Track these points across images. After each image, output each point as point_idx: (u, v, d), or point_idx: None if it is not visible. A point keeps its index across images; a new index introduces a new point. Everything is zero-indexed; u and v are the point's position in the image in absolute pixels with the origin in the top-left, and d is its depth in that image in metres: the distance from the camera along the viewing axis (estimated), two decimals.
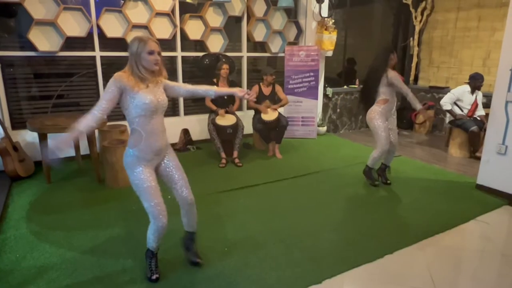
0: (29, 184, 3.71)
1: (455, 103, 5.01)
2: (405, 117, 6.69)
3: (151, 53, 1.94)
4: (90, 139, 3.71)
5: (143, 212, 3.03)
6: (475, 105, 4.92)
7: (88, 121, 1.87)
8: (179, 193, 2.21)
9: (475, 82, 4.86)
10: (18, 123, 4.22)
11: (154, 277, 2.21)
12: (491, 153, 3.56)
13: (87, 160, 4.22)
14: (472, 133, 4.74)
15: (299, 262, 2.41)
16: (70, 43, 4.29)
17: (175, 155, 2.26)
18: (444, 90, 6.26)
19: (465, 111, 4.95)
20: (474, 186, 3.75)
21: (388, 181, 3.79)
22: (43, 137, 3.60)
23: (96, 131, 3.85)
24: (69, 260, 2.41)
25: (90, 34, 4.34)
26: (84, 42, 4.39)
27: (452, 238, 2.80)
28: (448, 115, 5.16)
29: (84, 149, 4.13)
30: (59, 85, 4.40)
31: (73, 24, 4.21)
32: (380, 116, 3.52)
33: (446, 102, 5.00)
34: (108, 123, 4.20)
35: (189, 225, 2.34)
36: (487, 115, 4.34)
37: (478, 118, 4.89)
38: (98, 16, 4.34)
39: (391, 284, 2.23)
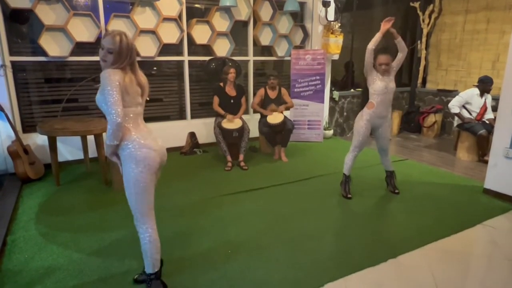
0: (39, 186, 3.78)
1: (464, 107, 4.97)
2: (413, 121, 6.64)
3: (101, 48, 1.90)
4: (98, 142, 3.78)
5: None
6: (484, 109, 4.87)
7: (117, 132, 1.83)
8: None
9: (484, 85, 4.81)
10: (28, 127, 4.31)
11: None
12: (498, 157, 3.52)
13: (95, 163, 4.28)
14: (481, 136, 4.68)
15: (302, 265, 2.42)
16: (80, 48, 4.38)
17: None
18: (452, 93, 6.21)
19: (474, 114, 4.90)
20: (481, 190, 3.70)
21: (396, 190, 3.64)
22: (52, 140, 3.68)
23: (104, 135, 3.92)
24: (75, 261, 2.45)
25: (99, 39, 4.41)
26: (93, 47, 4.48)
27: (457, 242, 2.77)
28: (456, 118, 5.11)
29: (92, 152, 4.21)
30: (68, 89, 4.49)
31: (83, 30, 4.30)
32: (364, 120, 3.33)
33: (454, 105, 4.96)
34: None
35: None
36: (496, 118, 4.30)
37: (487, 122, 4.83)
38: (107, 21, 4.43)
39: None
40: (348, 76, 6.63)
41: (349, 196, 3.53)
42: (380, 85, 3.25)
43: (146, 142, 1.93)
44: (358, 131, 3.39)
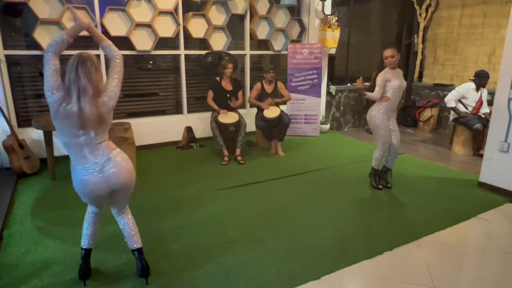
0: (35, 180, 3.77)
1: (460, 101, 4.98)
2: (409, 115, 6.66)
3: None
4: None
5: (144, 209, 3.09)
6: (480, 103, 4.88)
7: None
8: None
9: (480, 79, 4.83)
10: (24, 121, 4.28)
11: None
12: (493, 151, 3.54)
13: None
14: (476, 130, 4.71)
15: (299, 258, 2.43)
16: (74, 41, 4.32)
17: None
18: (448, 87, 6.22)
19: (470, 108, 4.92)
20: (476, 184, 3.73)
21: (389, 185, 3.68)
22: (48, 135, 3.65)
23: None
24: (72, 255, 2.45)
25: None
26: (88, 41, 4.41)
27: (452, 235, 2.80)
28: (452, 112, 5.13)
29: None
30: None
31: None
32: (380, 115, 3.43)
33: (450, 99, 4.97)
34: (112, 121, 4.25)
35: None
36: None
37: (483, 116, 4.86)
38: (102, 15, 4.38)
39: (389, 281, 2.24)
40: (345, 70, 6.62)
41: (380, 187, 3.63)
42: (395, 82, 3.40)
43: (81, 178, 2.02)
44: (378, 125, 3.45)
